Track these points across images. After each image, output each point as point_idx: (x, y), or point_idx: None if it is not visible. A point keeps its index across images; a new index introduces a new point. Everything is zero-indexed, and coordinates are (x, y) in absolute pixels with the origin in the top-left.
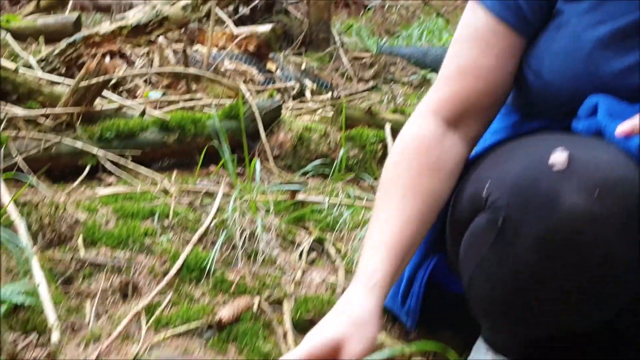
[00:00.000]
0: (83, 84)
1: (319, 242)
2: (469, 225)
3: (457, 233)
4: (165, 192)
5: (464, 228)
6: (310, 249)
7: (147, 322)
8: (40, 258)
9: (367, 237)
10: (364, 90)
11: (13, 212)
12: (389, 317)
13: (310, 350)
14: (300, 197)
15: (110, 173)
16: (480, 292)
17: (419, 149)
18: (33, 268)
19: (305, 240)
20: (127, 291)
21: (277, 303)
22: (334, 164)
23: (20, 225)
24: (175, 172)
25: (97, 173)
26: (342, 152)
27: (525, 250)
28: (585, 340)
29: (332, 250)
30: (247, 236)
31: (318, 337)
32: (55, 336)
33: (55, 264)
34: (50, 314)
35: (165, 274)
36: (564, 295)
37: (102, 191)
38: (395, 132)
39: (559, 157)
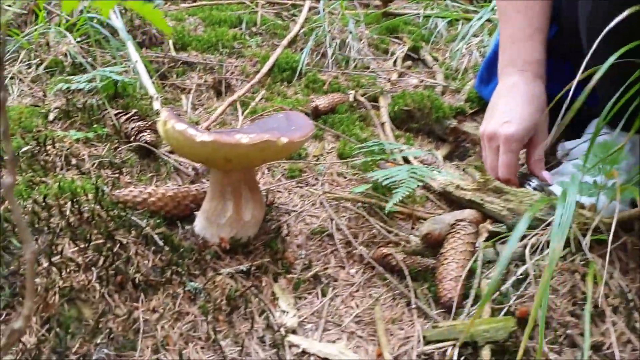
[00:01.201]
0: None
1: (413, 52)
2: None
3: None
4: (251, 1)
5: None
6: (405, 57)
7: (242, 112)
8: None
9: (510, 27)
10: None
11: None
12: None
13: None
14: (392, 7)
15: None
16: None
17: None
18: (129, 50)
19: (399, 50)
20: (221, 88)
21: (373, 101)
22: None
23: (114, 16)
24: None
25: None
26: None
27: None
28: None
29: (428, 58)
30: (338, 44)
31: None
32: (156, 105)
33: (149, 61)
34: (150, 88)
35: (256, 73)
36: None
37: (188, 5)
38: None
39: None
